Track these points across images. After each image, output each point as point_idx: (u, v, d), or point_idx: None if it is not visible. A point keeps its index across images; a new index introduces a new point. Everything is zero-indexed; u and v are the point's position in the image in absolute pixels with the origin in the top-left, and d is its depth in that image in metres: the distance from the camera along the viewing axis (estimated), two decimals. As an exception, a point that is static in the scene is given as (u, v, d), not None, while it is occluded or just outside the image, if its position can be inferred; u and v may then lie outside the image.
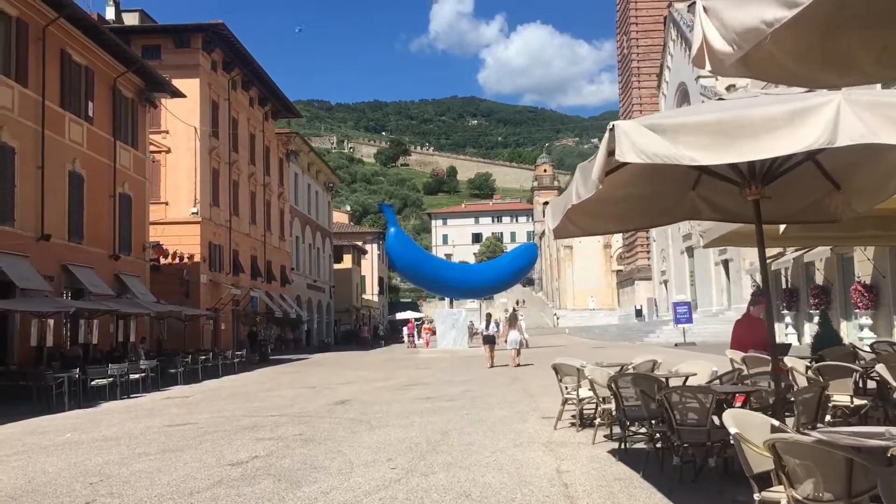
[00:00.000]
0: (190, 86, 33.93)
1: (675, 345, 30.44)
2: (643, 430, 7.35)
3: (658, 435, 6.40)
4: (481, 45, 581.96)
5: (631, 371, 8.89)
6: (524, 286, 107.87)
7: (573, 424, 9.35)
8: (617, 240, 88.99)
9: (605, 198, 5.91)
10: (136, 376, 18.68)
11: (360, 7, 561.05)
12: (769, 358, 9.62)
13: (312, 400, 14.57)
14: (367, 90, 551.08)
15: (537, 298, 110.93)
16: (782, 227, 8.42)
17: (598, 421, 8.07)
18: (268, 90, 44.64)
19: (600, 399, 8.07)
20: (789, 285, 27.39)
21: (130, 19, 38.90)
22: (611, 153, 3.92)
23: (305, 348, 48.92)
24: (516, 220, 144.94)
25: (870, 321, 21.64)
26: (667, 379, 6.98)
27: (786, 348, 11.30)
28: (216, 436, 10.04)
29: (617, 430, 8.28)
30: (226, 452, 8.65)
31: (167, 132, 34.84)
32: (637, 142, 3.82)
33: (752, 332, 10.89)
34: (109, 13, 38.16)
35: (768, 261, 25.67)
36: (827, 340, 14.74)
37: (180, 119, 34.00)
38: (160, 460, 8.34)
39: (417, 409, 12.06)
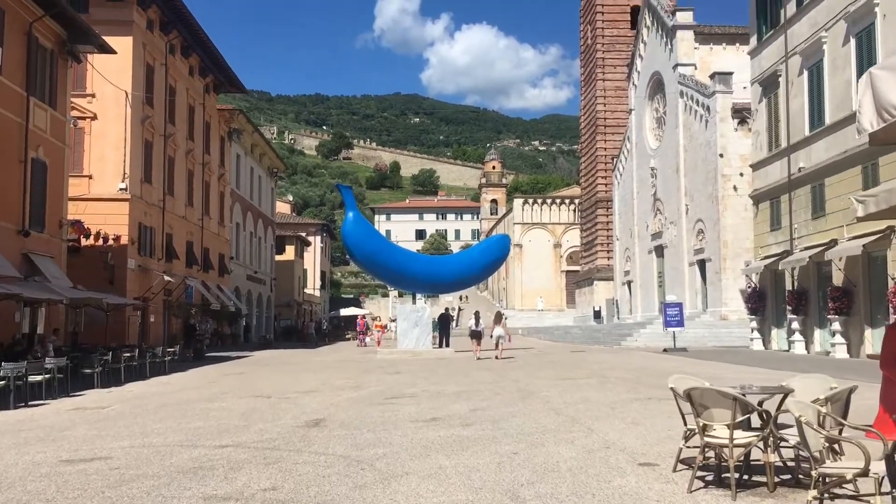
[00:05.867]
0: (122, 44, 29.61)
1: (664, 350, 27.54)
2: None
3: None
4: (426, 44, 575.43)
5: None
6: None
7: (705, 481, 6.02)
8: (568, 239, 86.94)
9: None
10: (38, 378, 14.67)
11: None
12: None
13: (272, 417, 10.95)
14: (309, 83, 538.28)
15: (482, 297, 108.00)
16: None
17: (811, 494, 4.72)
18: (210, 59, 40.34)
19: (813, 452, 4.73)
20: (796, 286, 24.72)
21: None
22: None
23: (244, 344, 44.77)
24: (461, 218, 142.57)
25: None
26: None
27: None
28: (137, 489, 6.38)
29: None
30: (153, 531, 5.04)
31: (93, 96, 30.45)
32: None
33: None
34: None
35: (772, 259, 22.59)
36: None
37: (109, 81, 29.65)
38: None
39: (429, 439, 8.57)
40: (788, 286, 25.28)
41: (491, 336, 26.72)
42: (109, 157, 30.32)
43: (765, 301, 27.56)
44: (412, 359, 26.42)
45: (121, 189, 30.24)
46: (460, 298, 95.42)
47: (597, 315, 57.93)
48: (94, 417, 11.60)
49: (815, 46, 23.84)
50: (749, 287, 28.48)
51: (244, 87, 46.36)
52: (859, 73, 21.65)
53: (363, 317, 50.95)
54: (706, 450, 5.91)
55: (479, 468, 6.86)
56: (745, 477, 6.05)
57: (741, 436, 5.67)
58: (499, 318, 27.27)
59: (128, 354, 19.82)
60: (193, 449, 8.32)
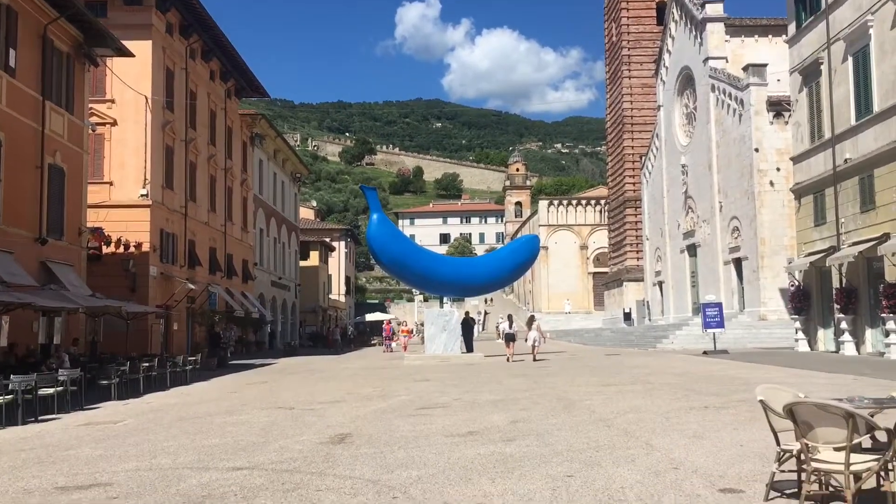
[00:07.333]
0: (141, 48, 29.01)
1: (704, 352, 26.36)
2: None
3: None
4: (447, 50, 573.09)
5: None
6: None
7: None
8: (595, 241, 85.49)
9: None
10: (50, 391, 13.93)
11: (324, 6, 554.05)
12: None
13: (294, 432, 10.07)
14: (332, 91, 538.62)
15: (508, 301, 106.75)
16: None
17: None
18: (231, 63, 39.78)
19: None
20: (844, 284, 23.47)
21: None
22: None
23: (269, 351, 44.13)
24: (485, 221, 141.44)
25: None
26: None
27: None
28: (137, 522, 5.52)
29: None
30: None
31: (113, 101, 29.90)
32: None
33: None
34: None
35: (817, 255, 21.36)
36: None
37: (129, 86, 29.08)
38: None
39: (469, 458, 7.64)
40: (836, 283, 24.01)
41: (526, 340, 26.95)
42: (130, 163, 29.76)
43: (810, 300, 26.30)
44: (441, 364, 25.49)
45: (142, 195, 29.67)
46: (485, 301, 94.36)
47: (627, 317, 56.62)
48: (104, 434, 10.80)
49: (861, 31, 22.61)
50: (792, 285, 27.21)
51: (266, 91, 45.78)
52: (911, 57, 20.47)
53: (389, 322, 50.07)
54: (809, 476, 4.90)
55: (531, 497, 5.90)
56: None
57: (857, 460, 4.68)
58: (531, 321, 27.97)
59: (147, 364, 19.08)
60: (205, 472, 7.45)
